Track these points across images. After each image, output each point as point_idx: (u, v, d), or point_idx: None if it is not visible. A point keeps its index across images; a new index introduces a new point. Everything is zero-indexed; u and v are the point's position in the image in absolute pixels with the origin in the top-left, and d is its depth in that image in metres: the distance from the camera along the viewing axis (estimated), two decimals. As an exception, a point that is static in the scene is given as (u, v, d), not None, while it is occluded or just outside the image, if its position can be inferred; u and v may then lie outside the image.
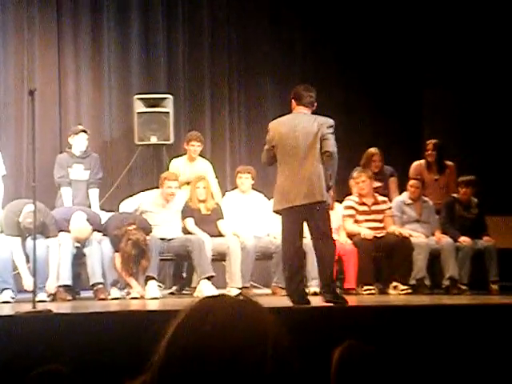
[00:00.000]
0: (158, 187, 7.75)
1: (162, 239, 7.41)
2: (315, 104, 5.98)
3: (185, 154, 8.22)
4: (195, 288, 7.42)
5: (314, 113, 6.01)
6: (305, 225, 5.98)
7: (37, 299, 5.90)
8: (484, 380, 4.39)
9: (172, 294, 7.93)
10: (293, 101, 6.02)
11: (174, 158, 8.32)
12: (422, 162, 8.37)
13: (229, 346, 1.14)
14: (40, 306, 5.34)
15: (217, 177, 8.34)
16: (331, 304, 5.75)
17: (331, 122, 5.90)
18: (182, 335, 1.17)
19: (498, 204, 8.36)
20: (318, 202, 5.79)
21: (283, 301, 6.07)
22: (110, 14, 9.21)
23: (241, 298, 1.23)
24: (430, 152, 8.33)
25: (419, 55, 9.45)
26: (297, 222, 5.89)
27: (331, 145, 5.83)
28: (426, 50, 9.42)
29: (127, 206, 7.67)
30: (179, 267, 8.16)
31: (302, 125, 5.85)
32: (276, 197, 5.98)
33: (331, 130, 5.86)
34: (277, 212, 6.02)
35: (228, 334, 1.15)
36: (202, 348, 1.15)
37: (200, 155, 8.27)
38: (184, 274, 8.13)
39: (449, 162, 8.35)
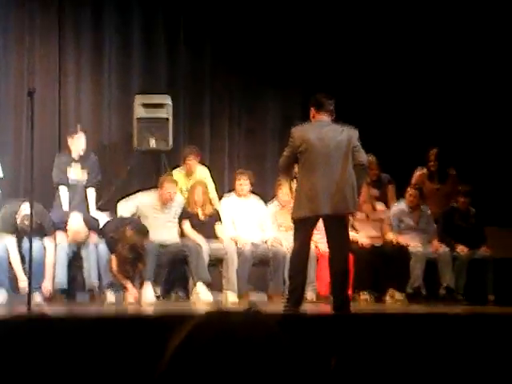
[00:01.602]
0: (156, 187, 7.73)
1: (160, 245, 7.40)
2: (334, 112, 5.92)
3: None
4: (191, 293, 7.40)
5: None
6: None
7: (32, 300, 5.90)
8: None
9: (167, 297, 7.92)
10: (312, 108, 5.94)
11: (175, 168, 8.30)
12: (425, 170, 8.37)
13: (244, 359, 1.12)
14: (35, 309, 5.32)
15: (215, 182, 8.33)
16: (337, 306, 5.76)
17: (357, 132, 5.88)
18: (193, 346, 1.15)
19: (496, 215, 8.35)
20: (350, 213, 5.83)
21: (279, 307, 6.05)
22: (111, 16, 9.19)
23: (250, 311, 1.21)
24: (432, 161, 8.32)
25: (420, 65, 9.44)
26: (311, 231, 5.85)
27: (364, 157, 5.88)
28: (426, 61, 9.43)
29: (124, 207, 7.64)
30: (176, 271, 8.14)
31: (332, 133, 5.79)
32: (299, 203, 5.79)
33: (360, 142, 5.86)
34: (296, 218, 5.85)
35: (243, 348, 1.13)
36: (215, 361, 1.12)
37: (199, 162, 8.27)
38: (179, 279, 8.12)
39: (451, 171, 8.34)
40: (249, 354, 1.13)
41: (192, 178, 8.12)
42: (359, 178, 5.84)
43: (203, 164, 8.44)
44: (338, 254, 5.84)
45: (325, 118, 5.88)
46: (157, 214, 7.55)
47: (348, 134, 5.81)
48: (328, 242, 5.96)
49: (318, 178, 5.69)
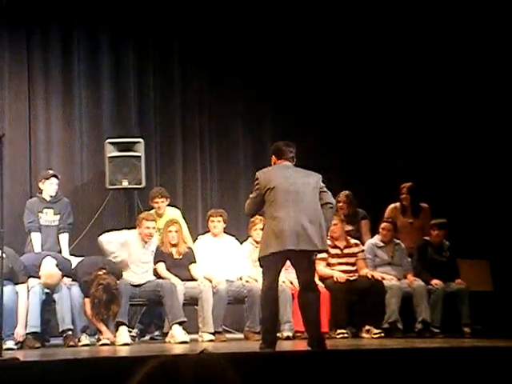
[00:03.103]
0: (134, 227, 7.68)
1: (134, 285, 7.34)
2: (294, 159, 6.00)
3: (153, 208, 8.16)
4: (167, 333, 7.34)
5: None
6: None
7: (5, 347, 5.81)
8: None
9: (142, 338, 7.85)
10: (273, 156, 6.04)
11: (149, 210, 8.26)
12: (397, 204, 8.42)
13: None
14: (7, 355, 5.24)
15: (187, 222, 8.30)
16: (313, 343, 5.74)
17: (321, 177, 5.98)
18: None
19: (469, 247, 8.40)
20: (317, 251, 5.84)
21: (256, 345, 6.02)
22: (80, 59, 9.20)
23: (203, 355, 1.20)
24: (404, 195, 8.38)
25: (391, 98, 9.54)
26: (280, 267, 5.86)
27: (332, 198, 5.98)
28: (397, 94, 9.53)
29: (111, 238, 7.51)
30: (152, 312, 8.08)
31: (297, 174, 5.88)
32: (265, 242, 5.79)
33: (324, 184, 5.97)
34: (264, 257, 5.83)
35: None
36: None
37: (169, 204, 8.22)
38: (154, 320, 8.05)
39: (424, 205, 8.40)
40: None
41: (163, 219, 8.07)
42: (327, 219, 5.89)
43: (173, 206, 8.40)
44: (306, 291, 5.86)
45: (287, 163, 5.97)
46: (138, 251, 7.50)
47: (313, 178, 5.93)
48: (298, 278, 5.98)
49: (285, 215, 5.71)
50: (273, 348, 5.74)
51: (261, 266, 6.00)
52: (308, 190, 5.82)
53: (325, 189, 5.93)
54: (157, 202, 8.05)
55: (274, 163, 6.03)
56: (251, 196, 5.97)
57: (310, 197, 5.81)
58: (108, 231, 7.74)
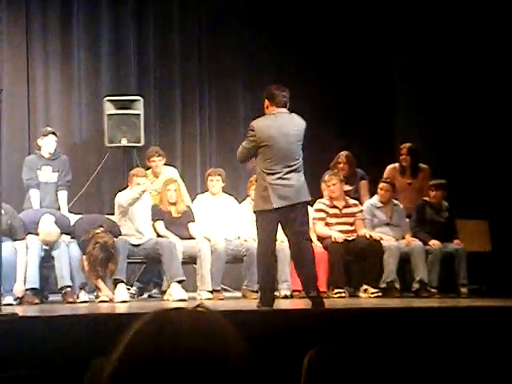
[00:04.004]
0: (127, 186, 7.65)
1: (133, 245, 7.33)
2: (288, 103, 5.96)
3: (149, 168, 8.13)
4: (165, 291, 7.37)
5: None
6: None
7: (4, 302, 5.83)
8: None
9: (140, 296, 7.88)
10: (266, 100, 5.98)
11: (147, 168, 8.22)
12: (397, 165, 8.40)
13: (187, 358, 1.11)
14: (6, 310, 5.26)
15: (184, 181, 8.29)
16: (313, 303, 5.76)
17: (305, 124, 6.02)
18: (138, 345, 1.13)
19: (469, 208, 8.41)
20: (306, 202, 5.94)
21: (253, 304, 6.05)
22: (79, 15, 9.12)
23: (199, 309, 1.20)
24: (404, 156, 8.35)
25: (390, 57, 9.48)
26: (276, 223, 5.88)
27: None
28: (398, 51, 9.46)
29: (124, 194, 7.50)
30: (149, 271, 8.10)
31: (290, 129, 5.89)
32: (263, 196, 5.82)
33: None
34: (259, 212, 5.91)
35: (186, 346, 1.12)
36: (159, 360, 1.11)
37: (166, 164, 8.18)
38: (153, 278, 8.08)
39: (423, 166, 8.38)
40: (192, 350, 1.12)
41: (160, 178, 8.04)
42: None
43: (171, 165, 8.37)
44: (299, 244, 5.89)
45: (280, 109, 5.93)
46: (135, 207, 7.45)
47: (300, 127, 5.95)
48: (290, 232, 5.95)
49: (279, 172, 5.79)
50: (270, 307, 5.77)
51: (256, 221, 6.01)
52: (298, 143, 5.91)
53: (301, 142, 5.98)
54: (154, 161, 8.03)
55: (267, 107, 5.96)
56: (244, 145, 5.96)
57: (297, 150, 5.90)
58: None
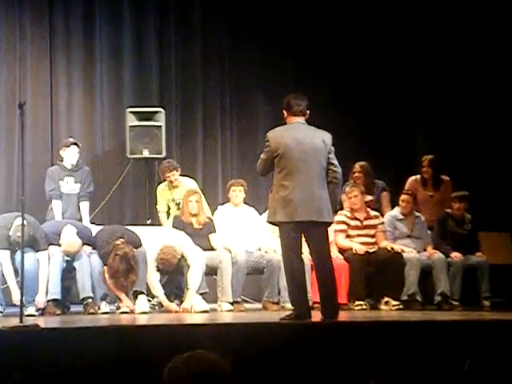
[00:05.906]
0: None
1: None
2: (307, 112, 5.89)
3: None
4: (182, 301, 7.34)
5: (308, 123, 5.93)
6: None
7: (26, 313, 5.86)
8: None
9: (162, 307, 7.88)
10: (284, 111, 5.94)
11: (160, 184, 8.25)
12: (418, 177, 8.37)
13: None
14: (28, 321, 5.28)
15: (205, 192, 8.30)
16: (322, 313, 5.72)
17: (331, 138, 5.85)
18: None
19: (491, 220, 8.35)
20: (326, 223, 5.73)
21: (274, 316, 6.03)
22: (101, 28, 9.20)
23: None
24: (425, 168, 8.32)
25: (413, 70, 9.47)
26: (296, 238, 5.74)
27: (339, 171, 5.82)
28: (419, 66, 9.45)
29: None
30: (170, 282, 8.10)
31: (308, 138, 5.74)
32: (277, 208, 5.69)
33: (333, 149, 5.84)
34: (274, 223, 5.83)
35: None
36: None
37: (184, 175, 8.19)
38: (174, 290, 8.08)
39: (445, 178, 8.34)
40: None
41: (179, 189, 8.06)
42: (332, 194, 5.77)
43: (189, 176, 8.37)
44: (320, 263, 5.80)
45: (298, 119, 5.85)
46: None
47: (323, 140, 5.78)
48: (310, 250, 5.90)
49: (298, 182, 5.63)
50: (307, 319, 5.67)
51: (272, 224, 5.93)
52: (317, 154, 5.72)
53: (333, 156, 5.78)
54: (168, 176, 8.03)
55: (286, 118, 5.92)
56: (262, 157, 5.86)
57: (317, 163, 5.70)
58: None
